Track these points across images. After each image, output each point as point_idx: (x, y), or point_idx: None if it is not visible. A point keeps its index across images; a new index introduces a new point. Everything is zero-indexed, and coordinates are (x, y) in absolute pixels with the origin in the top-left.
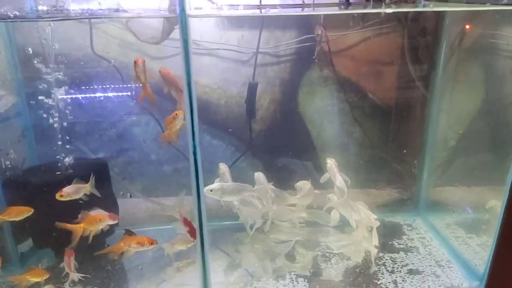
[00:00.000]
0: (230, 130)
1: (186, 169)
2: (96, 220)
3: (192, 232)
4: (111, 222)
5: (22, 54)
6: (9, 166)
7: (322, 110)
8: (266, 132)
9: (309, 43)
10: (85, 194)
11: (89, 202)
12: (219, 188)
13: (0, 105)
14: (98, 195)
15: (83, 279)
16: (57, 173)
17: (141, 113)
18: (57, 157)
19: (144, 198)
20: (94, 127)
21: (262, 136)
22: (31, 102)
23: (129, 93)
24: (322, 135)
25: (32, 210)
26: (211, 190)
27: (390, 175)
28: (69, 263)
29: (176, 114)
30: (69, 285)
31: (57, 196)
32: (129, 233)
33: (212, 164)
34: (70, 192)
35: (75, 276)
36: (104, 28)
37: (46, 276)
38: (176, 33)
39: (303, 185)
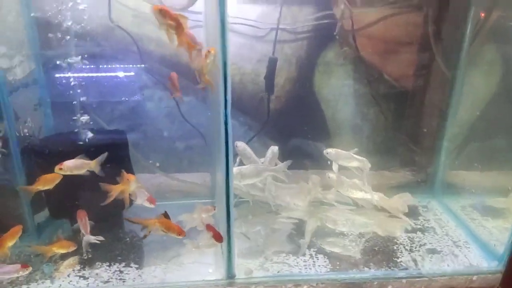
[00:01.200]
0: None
1: (198, 146)
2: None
3: (217, 237)
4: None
5: (39, 21)
6: (27, 134)
7: (338, 90)
8: (280, 112)
9: (327, 21)
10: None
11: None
12: (238, 172)
13: (19, 71)
14: (102, 175)
15: (98, 241)
16: (76, 142)
17: (154, 88)
18: (74, 127)
19: (164, 174)
20: (109, 100)
21: (275, 115)
22: (47, 70)
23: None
24: (336, 116)
25: (62, 176)
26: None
27: (405, 157)
28: (85, 224)
29: (209, 51)
30: (85, 250)
31: (56, 169)
32: (166, 215)
33: None
34: (70, 166)
35: (91, 238)
36: None
37: (73, 248)
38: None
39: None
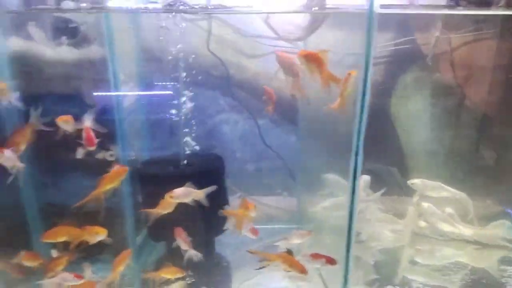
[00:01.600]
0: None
1: (276, 170)
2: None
3: (331, 261)
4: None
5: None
6: (133, 157)
7: (415, 114)
8: (347, 135)
9: (407, 46)
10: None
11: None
12: (334, 204)
13: (130, 98)
14: (206, 205)
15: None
16: (175, 166)
17: (231, 111)
18: (173, 151)
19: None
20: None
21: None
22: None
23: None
24: (412, 140)
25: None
26: (325, 208)
27: (484, 184)
28: (185, 239)
29: (349, 74)
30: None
31: (167, 197)
32: (289, 252)
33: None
34: (180, 195)
35: (193, 253)
36: (201, 24)
37: (180, 275)
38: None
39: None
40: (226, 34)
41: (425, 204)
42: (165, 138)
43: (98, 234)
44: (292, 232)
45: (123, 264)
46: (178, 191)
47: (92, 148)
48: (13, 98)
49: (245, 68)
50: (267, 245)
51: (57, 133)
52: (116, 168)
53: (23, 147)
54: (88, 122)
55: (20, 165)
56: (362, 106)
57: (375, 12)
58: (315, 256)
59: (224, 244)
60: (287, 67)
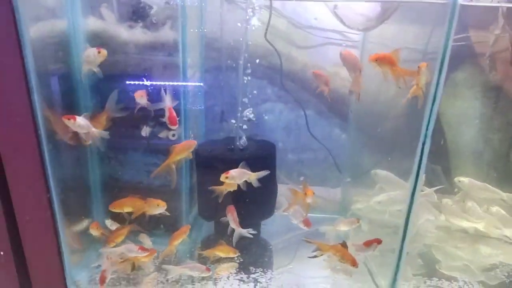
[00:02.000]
0: (379, 130)
1: (321, 161)
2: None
3: (379, 242)
4: None
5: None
6: (192, 137)
7: (462, 113)
8: (398, 131)
9: (461, 43)
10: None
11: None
12: (388, 199)
13: (192, 79)
14: (257, 185)
15: (250, 235)
16: (230, 149)
17: (278, 101)
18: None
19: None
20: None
21: (393, 133)
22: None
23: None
24: (457, 139)
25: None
26: (379, 202)
27: None
28: (234, 218)
29: (419, 67)
30: (234, 242)
31: (223, 177)
32: (344, 245)
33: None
34: (235, 176)
35: (242, 231)
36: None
37: (234, 254)
38: (324, 22)
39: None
40: (279, 24)
41: (469, 203)
42: (219, 123)
43: (159, 206)
44: (339, 219)
45: (180, 239)
46: (233, 172)
47: (175, 127)
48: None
49: (295, 59)
50: (310, 233)
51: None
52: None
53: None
54: (169, 101)
55: (94, 131)
56: (434, 102)
57: (458, 4)
58: (367, 243)
59: (270, 229)
60: (350, 65)
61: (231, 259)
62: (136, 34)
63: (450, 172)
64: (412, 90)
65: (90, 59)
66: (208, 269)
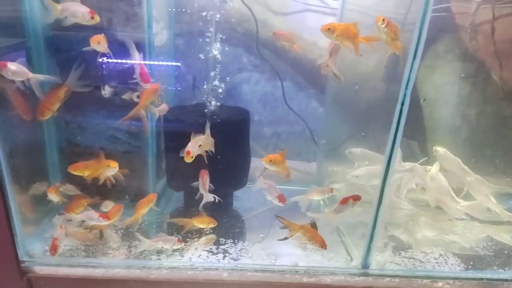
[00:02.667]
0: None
1: (297, 133)
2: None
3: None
4: None
5: None
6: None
7: (440, 87)
8: (374, 103)
9: (442, 13)
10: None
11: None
12: (366, 174)
13: (158, 39)
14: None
15: (216, 200)
16: (201, 115)
17: (254, 70)
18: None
19: None
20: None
21: (369, 108)
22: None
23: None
24: (435, 114)
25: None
26: (356, 176)
27: (507, 163)
28: (204, 183)
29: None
30: (201, 208)
31: (187, 158)
32: (313, 225)
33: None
34: (194, 150)
35: (210, 196)
36: None
37: (213, 225)
38: None
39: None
40: None
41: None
42: (192, 90)
43: (110, 167)
44: (312, 188)
45: (147, 207)
46: (191, 147)
47: (147, 85)
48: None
49: (272, 26)
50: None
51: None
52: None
53: (56, 107)
54: (138, 56)
55: (31, 75)
56: (410, 73)
57: None
58: (343, 201)
59: (244, 204)
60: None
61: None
62: None
63: (427, 148)
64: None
65: (78, 20)
66: (181, 241)
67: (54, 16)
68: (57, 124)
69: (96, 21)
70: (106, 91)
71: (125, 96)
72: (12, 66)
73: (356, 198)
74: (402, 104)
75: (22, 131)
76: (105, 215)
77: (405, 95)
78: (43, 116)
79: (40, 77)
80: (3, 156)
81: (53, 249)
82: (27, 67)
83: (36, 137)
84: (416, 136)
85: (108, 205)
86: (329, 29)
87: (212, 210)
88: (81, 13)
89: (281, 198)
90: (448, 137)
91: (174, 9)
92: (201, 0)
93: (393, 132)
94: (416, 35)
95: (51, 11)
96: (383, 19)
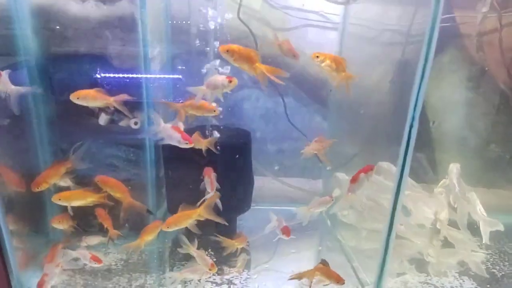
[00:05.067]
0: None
1: (292, 150)
2: None
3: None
4: None
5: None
6: None
7: (447, 98)
8: (380, 116)
9: (447, 24)
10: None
11: (227, 170)
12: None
13: (156, 63)
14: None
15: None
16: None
17: (254, 87)
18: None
19: (275, 178)
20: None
21: (377, 121)
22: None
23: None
24: (442, 125)
25: None
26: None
27: None
28: (212, 180)
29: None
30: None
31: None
32: (324, 262)
33: None
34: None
35: (216, 196)
36: None
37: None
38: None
39: None
40: (254, 3)
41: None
42: None
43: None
44: (314, 200)
45: (152, 234)
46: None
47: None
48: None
49: (270, 42)
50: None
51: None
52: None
53: (53, 181)
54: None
55: (12, 88)
56: (419, 88)
57: None
58: (355, 178)
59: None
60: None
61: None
62: (88, 8)
63: (435, 160)
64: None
65: (216, 86)
66: (213, 265)
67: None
68: (54, 152)
69: (234, 84)
70: (102, 119)
71: (122, 123)
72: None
73: (368, 169)
74: (411, 127)
75: (16, 160)
76: (97, 258)
77: (413, 117)
78: (38, 188)
79: (21, 89)
80: None
81: (40, 285)
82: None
83: (32, 166)
84: (424, 148)
85: (89, 240)
86: (227, 51)
87: (216, 235)
88: (220, 81)
89: (285, 230)
90: (456, 148)
91: (170, 29)
92: (199, 18)
93: (402, 155)
94: (422, 60)
95: None
96: (317, 56)
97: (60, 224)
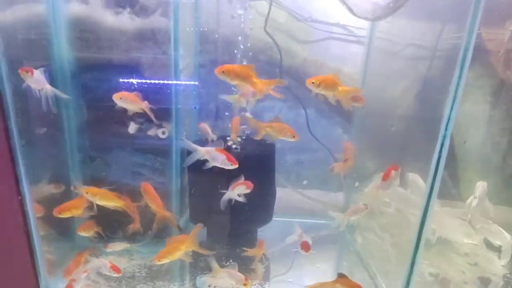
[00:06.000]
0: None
1: (321, 161)
2: None
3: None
4: None
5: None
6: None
7: (471, 115)
8: (404, 134)
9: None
10: None
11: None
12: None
13: (184, 73)
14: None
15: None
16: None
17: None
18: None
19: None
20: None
21: (399, 137)
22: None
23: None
24: (466, 143)
25: None
26: None
27: None
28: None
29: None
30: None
31: None
32: (341, 275)
33: None
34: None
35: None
36: (255, 5)
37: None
38: (325, 15)
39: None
40: (279, 16)
41: None
42: (215, 121)
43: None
44: (350, 208)
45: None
46: None
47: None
48: None
49: (295, 54)
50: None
51: None
52: None
53: (76, 213)
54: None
55: (48, 87)
56: (453, 104)
57: None
58: (385, 176)
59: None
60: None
61: None
62: (123, 21)
63: (458, 177)
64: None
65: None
66: (247, 280)
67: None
68: (82, 160)
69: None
70: (132, 128)
71: (150, 132)
72: (36, 73)
73: (396, 167)
74: (442, 145)
75: (46, 169)
76: (116, 268)
77: (445, 136)
78: (59, 214)
79: (55, 91)
80: (27, 193)
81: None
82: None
83: (61, 175)
84: (448, 166)
85: (114, 247)
86: (223, 72)
87: (234, 248)
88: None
89: (304, 245)
90: (479, 165)
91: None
92: (225, 30)
93: (432, 174)
94: (456, 78)
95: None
96: (313, 82)
97: (86, 232)
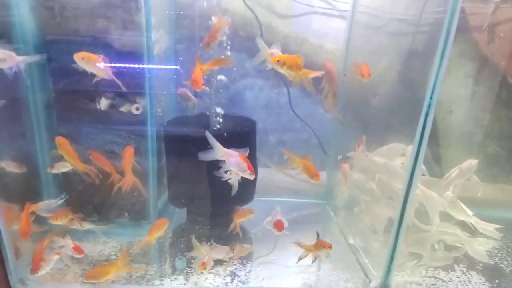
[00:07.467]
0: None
1: (304, 141)
2: None
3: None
4: None
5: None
6: (160, 114)
7: (453, 91)
8: (386, 110)
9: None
10: None
11: None
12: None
13: (157, 46)
14: None
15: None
16: (205, 126)
17: (257, 77)
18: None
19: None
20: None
21: (380, 114)
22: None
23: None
24: (448, 120)
25: None
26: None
27: None
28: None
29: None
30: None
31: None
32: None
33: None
34: None
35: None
36: None
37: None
38: None
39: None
40: None
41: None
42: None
43: None
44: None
45: (160, 230)
46: None
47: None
48: None
49: (275, 29)
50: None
51: None
52: None
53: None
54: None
55: (19, 60)
56: (435, 82)
57: None
58: None
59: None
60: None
61: None
62: None
63: (439, 154)
64: None
65: None
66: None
67: None
68: (51, 138)
69: None
70: (102, 104)
71: (123, 109)
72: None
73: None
74: (427, 115)
75: (12, 147)
76: (79, 249)
77: (429, 105)
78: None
79: (27, 59)
80: None
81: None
82: None
83: (29, 152)
84: (429, 142)
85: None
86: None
87: (218, 226)
88: None
89: (277, 224)
90: (461, 142)
91: (174, 12)
92: (202, 4)
93: (417, 145)
94: (441, 46)
95: None
96: (278, 60)
97: (59, 220)
